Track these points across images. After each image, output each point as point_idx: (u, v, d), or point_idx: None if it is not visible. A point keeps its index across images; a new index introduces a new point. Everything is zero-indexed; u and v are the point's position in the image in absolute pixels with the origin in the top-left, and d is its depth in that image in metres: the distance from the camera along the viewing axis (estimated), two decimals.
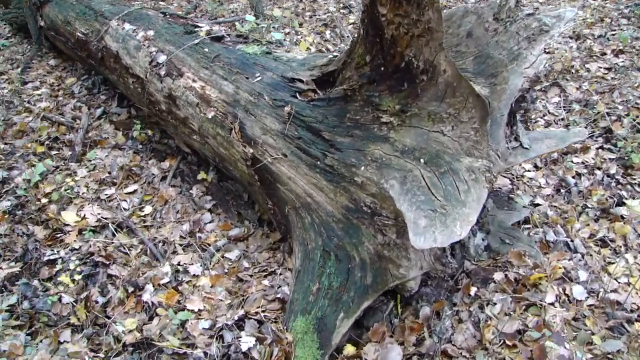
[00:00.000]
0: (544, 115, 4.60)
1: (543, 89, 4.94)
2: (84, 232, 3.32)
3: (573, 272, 2.89)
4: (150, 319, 2.72)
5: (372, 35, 2.39)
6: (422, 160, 2.45)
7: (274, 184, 2.98)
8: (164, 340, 2.54)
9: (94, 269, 3.04)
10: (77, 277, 2.95)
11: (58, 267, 3.05)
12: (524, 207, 3.41)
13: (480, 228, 3.00)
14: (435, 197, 2.28)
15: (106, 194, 3.67)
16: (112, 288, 2.92)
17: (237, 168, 3.18)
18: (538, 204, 3.63)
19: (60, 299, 2.84)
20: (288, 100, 2.95)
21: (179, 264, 3.10)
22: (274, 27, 5.55)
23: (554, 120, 4.53)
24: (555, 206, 3.63)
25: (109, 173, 3.85)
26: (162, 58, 3.61)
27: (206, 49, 3.52)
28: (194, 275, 3.02)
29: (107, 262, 3.07)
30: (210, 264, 3.11)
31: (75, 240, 3.24)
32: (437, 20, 2.20)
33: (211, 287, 2.93)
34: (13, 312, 2.74)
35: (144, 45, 3.79)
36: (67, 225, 3.39)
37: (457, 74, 2.41)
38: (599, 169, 3.97)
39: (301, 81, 3.02)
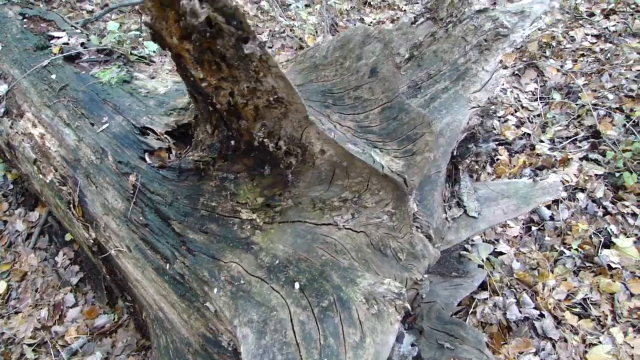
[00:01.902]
0: (515, 111, 3.68)
1: (516, 72, 3.98)
2: None
3: None
4: None
5: (203, 102, 1.51)
6: (297, 286, 1.62)
7: (124, 281, 2.18)
8: None
9: None
10: None
11: None
12: (479, 266, 2.59)
13: (409, 328, 2.20)
14: None
15: None
16: None
17: (85, 252, 2.36)
18: (501, 253, 2.80)
19: None
20: (134, 165, 2.09)
21: None
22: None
23: (529, 118, 3.61)
24: (523, 254, 2.80)
25: None
26: (2, 88, 2.72)
27: (54, 75, 2.61)
28: None
29: None
30: None
31: None
32: (286, 89, 1.31)
33: None
34: None
35: None
36: None
37: (344, 153, 1.54)
38: (582, 190, 3.10)
39: (155, 132, 2.15)
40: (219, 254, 1.76)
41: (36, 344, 2.49)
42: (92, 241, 2.18)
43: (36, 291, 2.72)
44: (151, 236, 1.97)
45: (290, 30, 4.98)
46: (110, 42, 2.64)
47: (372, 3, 5.58)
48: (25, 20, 3.18)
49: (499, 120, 3.64)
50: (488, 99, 2.18)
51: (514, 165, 3.33)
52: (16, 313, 2.64)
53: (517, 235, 2.92)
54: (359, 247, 1.75)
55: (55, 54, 2.73)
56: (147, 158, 2.09)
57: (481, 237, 2.85)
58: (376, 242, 1.82)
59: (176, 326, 1.92)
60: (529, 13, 2.23)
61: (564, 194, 3.07)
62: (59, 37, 2.88)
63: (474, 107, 2.14)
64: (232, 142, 1.62)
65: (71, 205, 2.23)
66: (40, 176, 2.40)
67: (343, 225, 1.74)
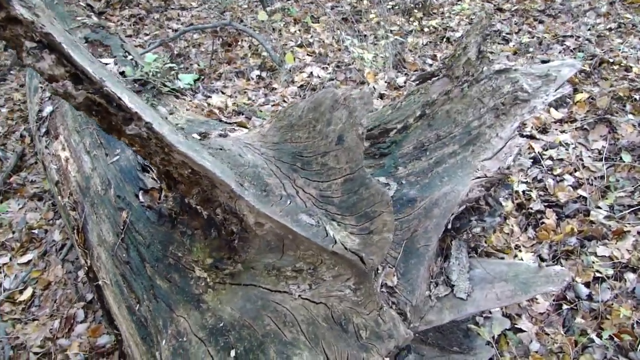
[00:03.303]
0: (575, 170, 3.35)
1: (585, 126, 3.63)
2: None
3: None
4: None
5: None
6: (232, 354, 1.57)
7: (110, 311, 2.24)
8: None
9: None
10: None
11: None
12: (487, 343, 2.36)
13: None
14: None
15: (0, 263, 3.15)
16: None
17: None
18: (520, 330, 2.55)
19: None
20: (129, 202, 2.15)
21: None
22: (183, 69, 4.64)
23: (588, 179, 3.27)
24: (546, 334, 2.53)
25: (13, 233, 3.32)
26: (47, 110, 2.93)
27: None
28: None
29: None
30: None
31: None
32: (197, 165, 1.28)
33: None
34: None
35: (41, 86, 3.14)
36: None
37: (284, 227, 1.47)
38: (633, 270, 2.74)
39: (153, 171, 2.20)
40: (174, 306, 1.75)
41: (42, 354, 2.64)
42: (87, 268, 2.27)
43: (55, 302, 2.89)
44: (130, 274, 2.00)
45: (357, 61, 4.93)
46: (147, 73, 2.74)
47: (450, 39, 5.38)
48: (86, 44, 3.41)
49: (553, 179, 3.34)
50: (498, 168, 1.99)
51: (560, 232, 3.03)
52: (33, 320, 2.81)
53: (544, 312, 2.64)
54: (313, 319, 1.66)
55: None
56: (140, 196, 2.15)
57: (501, 309, 2.61)
58: (337, 316, 1.71)
59: None
60: (554, 77, 2.02)
61: (610, 272, 2.74)
62: (106, 64, 3.06)
63: (479, 177, 1.97)
64: (185, 200, 1.61)
65: (75, 231, 2.34)
66: (59, 197, 2.55)
67: (299, 295, 1.67)
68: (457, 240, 2.00)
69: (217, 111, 2.88)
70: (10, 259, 3.17)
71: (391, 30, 5.32)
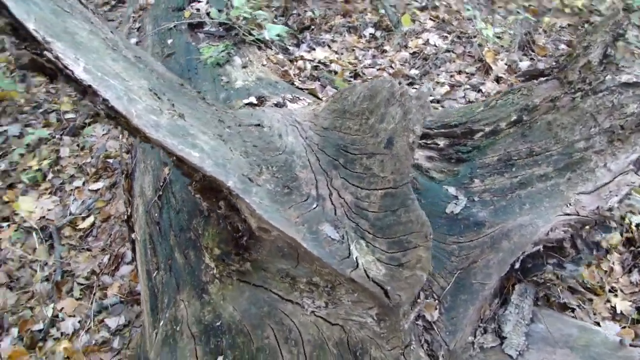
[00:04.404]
0: None
1: None
2: (19, 229, 2.96)
3: None
4: None
5: None
6: None
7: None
8: None
9: None
10: None
11: None
12: None
13: None
14: None
15: (73, 186, 3.23)
16: None
17: None
18: None
19: None
20: None
21: (61, 310, 2.54)
22: (295, 15, 4.24)
23: None
24: None
25: (91, 158, 3.38)
26: (133, 41, 2.85)
27: (170, 40, 2.65)
28: (62, 333, 2.45)
29: (1, 283, 2.67)
30: (86, 324, 2.48)
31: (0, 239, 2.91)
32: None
33: (65, 358, 2.33)
34: None
35: (133, 16, 3.07)
36: (17, 214, 3.05)
37: (293, 239, 1.22)
38: None
39: None
40: (182, 286, 1.59)
41: (85, 286, 2.66)
42: (126, 216, 2.18)
43: (110, 236, 2.90)
44: (157, 237, 1.88)
45: (479, 35, 4.40)
46: (235, 16, 2.55)
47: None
48: None
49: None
50: (597, 208, 1.57)
51: None
52: (87, 250, 2.85)
53: None
54: (321, 342, 1.42)
55: (184, 19, 2.76)
56: None
57: None
58: (354, 343, 1.45)
59: (145, 333, 1.83)
60: None
61: None
62: (199, 2, 2.90)
63: (568, 215, 1.56)
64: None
65: (124, 174, 2.26)
66: (121, 136, 2.48)
67: (312, 312, 1.42)
68: (523, 284, 1.62)
69: (293, 73, 2.63)
70: (83, 184, 3.24)
71: (526, 6, 4.68)
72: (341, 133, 1.45)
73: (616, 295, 2.49)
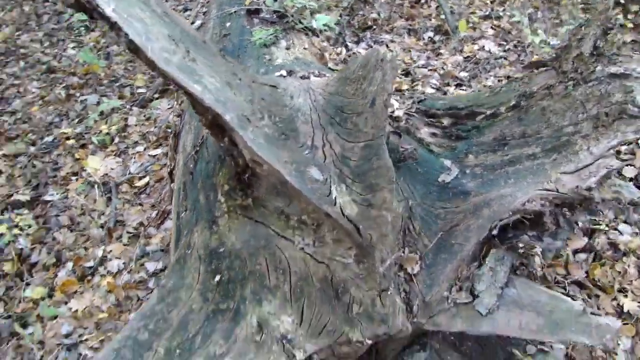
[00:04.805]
0: None
1: None
2: (85, 183, 3.38)
3: None
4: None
5: None
6: (216, 279, 1.64)
7: None
8: None
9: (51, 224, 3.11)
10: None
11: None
12: None
13: None
14: None
15: (136, 150, 3.63)
16: (44, 250, 2.95)
17: None
18: None
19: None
20: None
21: (110, 252, 2.91)
22: (360, 15, 4.40)
23: None
24: None
25: (154, 128, 3.77)
26: (197, 23, 3.20)
27: (229, 23, 2.97)
28: (108, 271, 2.81)
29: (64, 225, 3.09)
30: (129, 266, 2.83)
31: (68, 189, 3.33)
32: None
33: (108, 291, 2.69)
34: None
35: (202, 1, 3.42)
36: (85, 170, 3.48)
37: (278, 172, 1.44)
38: None
39: None
40: (199, 221, 1.86)
41: (132, 235, 3.02)
42: (169, 169, 2.50)
43: (160, 195, 3.25)
44: (189, 184, 2.16)
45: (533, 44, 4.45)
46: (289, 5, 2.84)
47: None
48: None
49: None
50: (576, 187, 1.69)
51: None
52: (140, 205, 3.21)
53: None
54: (307, 275, 1.64)
55: (244, 5, 3.07)
56: None
57: (565, 349, 2.27)
58: (337, 282, 1.66)
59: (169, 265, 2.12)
60: None
61: None
62: None
63: (548, 190, 1.70)
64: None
65: (173, 134, 2.58)
66: (175, 102, 2.82)
67: (301, 248, 1.65)
68: (499, 250, 1.76)
69: (330, 58, 2.86)
70: (145, 149, 3.63)
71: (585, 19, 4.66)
72: (341, 97, 1.67)
73: (626, 296, 2.53)
